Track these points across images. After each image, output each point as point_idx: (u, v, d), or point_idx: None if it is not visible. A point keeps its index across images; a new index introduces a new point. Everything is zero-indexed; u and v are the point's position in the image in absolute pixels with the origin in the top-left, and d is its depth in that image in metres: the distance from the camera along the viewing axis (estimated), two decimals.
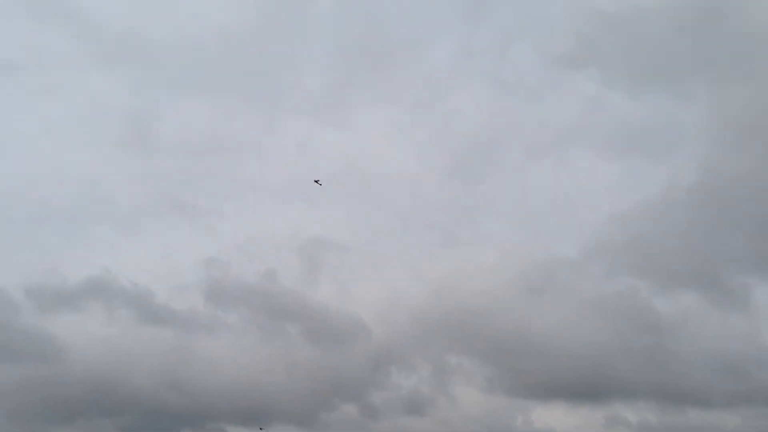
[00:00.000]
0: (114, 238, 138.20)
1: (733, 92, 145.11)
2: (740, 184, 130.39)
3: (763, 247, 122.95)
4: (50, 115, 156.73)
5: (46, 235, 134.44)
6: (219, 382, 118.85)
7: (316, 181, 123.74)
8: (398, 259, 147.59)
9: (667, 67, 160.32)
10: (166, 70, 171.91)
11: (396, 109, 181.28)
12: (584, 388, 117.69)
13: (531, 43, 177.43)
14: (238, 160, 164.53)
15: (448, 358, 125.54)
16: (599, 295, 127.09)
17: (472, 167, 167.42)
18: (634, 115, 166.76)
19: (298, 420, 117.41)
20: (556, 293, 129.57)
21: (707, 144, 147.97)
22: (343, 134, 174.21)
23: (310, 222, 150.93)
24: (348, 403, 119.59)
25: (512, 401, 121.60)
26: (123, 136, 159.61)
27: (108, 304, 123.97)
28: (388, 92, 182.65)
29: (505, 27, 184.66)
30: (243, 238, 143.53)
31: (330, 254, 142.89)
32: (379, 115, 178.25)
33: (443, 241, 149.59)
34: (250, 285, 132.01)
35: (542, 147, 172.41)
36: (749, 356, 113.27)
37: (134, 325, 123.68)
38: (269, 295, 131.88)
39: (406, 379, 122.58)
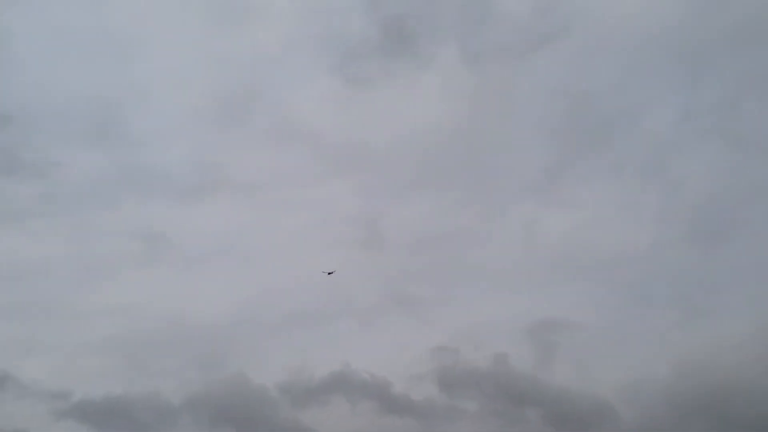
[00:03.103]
0: (352, 334, 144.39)
1: None
2: None
3: None
4: (291, 227, 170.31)
5: (296, 336, 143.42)
6: None
7: (329, 273, 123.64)
8: (638, 335, 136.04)
9: None
10: (388, 172, 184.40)
11: (620, 182, 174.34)
12: None
13: (762, 94, 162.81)
14: (462, 249, 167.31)
15: None
16: None
17: (711, 232, 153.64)
18: None
19: None
20: None
21: None
22: (567, 213, 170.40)
23: (540, 304, 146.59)
24: None
25: None
26: (355, 237, 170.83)
27: (350, 397, 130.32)
28: (609, 165, 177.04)
29: (729, 82, 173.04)
30: (470, 325, 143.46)
31: (564, 335, 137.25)
32: (603, 189, 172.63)
33: (685, 313, 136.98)
34: (481, 371, 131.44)
35: None
36: None
37: (376, 415, 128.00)
38: (502, 380, 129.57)
39: None
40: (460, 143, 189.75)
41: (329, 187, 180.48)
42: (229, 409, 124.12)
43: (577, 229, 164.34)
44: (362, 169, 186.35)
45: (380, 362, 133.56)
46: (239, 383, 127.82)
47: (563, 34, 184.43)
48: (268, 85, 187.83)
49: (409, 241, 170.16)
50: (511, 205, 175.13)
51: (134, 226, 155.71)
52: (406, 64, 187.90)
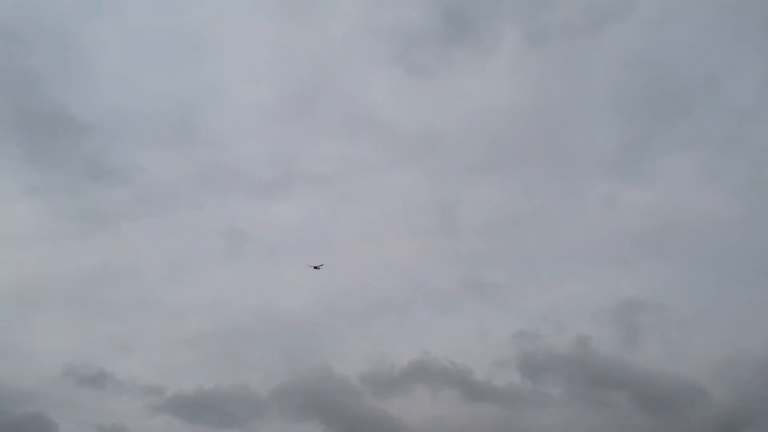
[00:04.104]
0: (431, 321, 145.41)
1: None
2: None
3: None
4: (366, 216, 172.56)
5: (376, 325, 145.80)
6: None
7: (315, 267, 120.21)
8: (729, 312, 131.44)
9: None
10: (460, 157, 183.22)
11: (702, 154, 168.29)
12: None
13: None
14: (539, 231, 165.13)
15: None
16: None
17: None
18: None
19: None
20: None
21: None
22: (648, 188, 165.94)
23: (623, 284, 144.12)
24: None
25: None
26: (430, 224, 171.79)
27: (432, 385, 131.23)
28: (690, 137, 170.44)
29: None
30: (551, 308, 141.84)
31: (649, 315, 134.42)
32: (684, 162, 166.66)
33: None
34: (563, 355, 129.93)
35: None
36: None
37: (459, 403, 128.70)
38: (586, 364, 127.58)
39: None
40: (532, 124, 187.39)
41: (402, 175, 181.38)
42: (314, 400, 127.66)
43: (659, 204, 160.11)
44: (434, 156, 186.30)
45: (460, 349, 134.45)
46: (323, 374, 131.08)
47: (629, 5, 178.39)
48: (335, 78, 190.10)
49: (484, 225, 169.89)
50: (589, 183, 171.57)
51: (217, 223, 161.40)
52: (469, 50, 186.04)
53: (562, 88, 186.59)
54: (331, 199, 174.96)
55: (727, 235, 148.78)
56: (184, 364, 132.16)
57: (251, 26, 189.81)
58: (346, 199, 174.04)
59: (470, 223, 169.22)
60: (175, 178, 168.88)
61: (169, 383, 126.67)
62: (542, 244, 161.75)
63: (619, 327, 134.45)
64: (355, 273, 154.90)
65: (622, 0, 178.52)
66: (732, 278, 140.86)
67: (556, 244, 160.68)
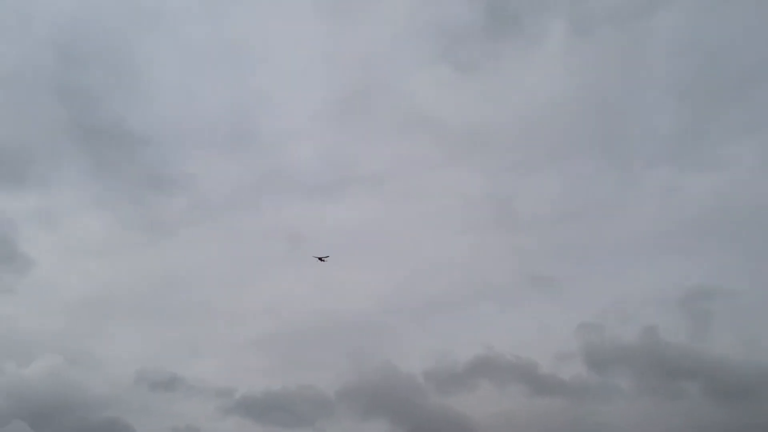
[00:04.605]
0: (492, 316, 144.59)
1: None
2: None
3: None
4: (423, 214, 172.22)
5: (438, 321, 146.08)
6: None
7: (320, 259, 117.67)
8: None
9: None
10: (514, 151, 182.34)
11: (764, 136, 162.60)
12: None
13: None
14: (599, 221, 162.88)
15: None
16: None
17: None
18: None
19: None
20: None
21: None
22: (709, 174, 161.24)
23: (688, 272, 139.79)
24: None
25: None
26: (488, 219, 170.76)
27: (497, 380, 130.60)
28: (750, 121, 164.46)
29: None
30: (615, 299, 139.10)
31: (719, 302, 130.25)
32: (745, 146, 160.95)
33: None
34: (630, 346, 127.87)
35: None
36: None
37: (525, 397, 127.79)
38: (654, 354, 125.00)
39: None
40: (585, 114, 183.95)
41: (456, 171, 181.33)
42: (380, 398, 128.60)
43: (721, 189, 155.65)
44: (486, 151, 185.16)
45: (524, 343, 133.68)
46: (388, 372, 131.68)
47: None
48: (384, 79, 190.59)
49: (541, 218, 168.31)
50: (648, 172, 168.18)
51: (276, 226, 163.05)
52: (515, 44, 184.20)
53: (615, 77, 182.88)
54: (386, 198, 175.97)
55: None
56: (250, 366, 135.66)
57: (298, 31, 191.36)
58: (401, 198, 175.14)
59: (527, 217, 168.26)
60: (232, 184, 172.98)
61: (238, 385, 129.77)
62: (602, 235, 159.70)
63: (687, 315, 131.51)
64: (414, 271, 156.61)
65: None
66: None
67: (616, 234, 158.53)
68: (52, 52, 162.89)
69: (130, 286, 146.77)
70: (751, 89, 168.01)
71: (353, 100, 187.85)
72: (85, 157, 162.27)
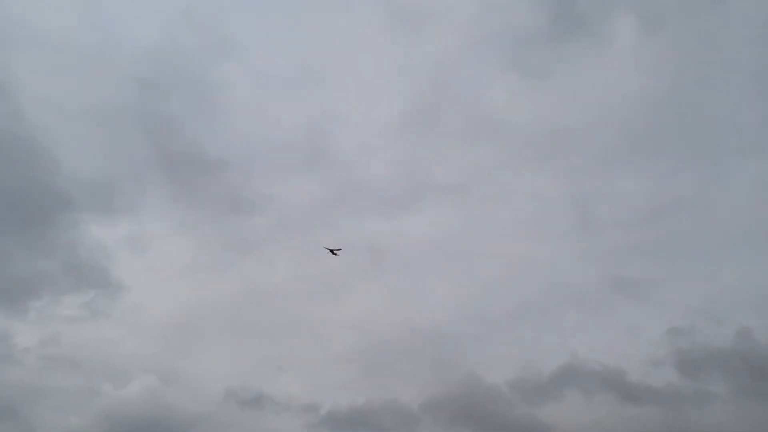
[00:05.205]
0: (577, 323, 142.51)
1: None
2: None
3: None
4: (500, 221, 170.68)
5: (520, 329, 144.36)
6: None
7: (332, 251, 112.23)
8: None
9: None
10: (591, 153, 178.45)
11: None
12: None
13: None
14: (684, 220, 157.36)
15: None
16: None
17: None
18: None
19: None
20: None
21: None
22: None
23: None
24: None
25: None
26: (567, 223, 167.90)
27: (584, 389, 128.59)
28: None
29: None
30: (705, 301, 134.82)
31: None
32: None
33: None
34: (724, 349, 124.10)
35: None
36: None
37: (614, 406, 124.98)
38: (750, 358, 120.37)
39: None
40: (664, 111, 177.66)
41: (532, 176, 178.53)
42: (465, 410, 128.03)
43: None
44: (562, 154, 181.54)
45: (610, 350, 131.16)
46: (471, 383, 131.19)
47: None
48: (453, 88, 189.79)
49: (624, 219, 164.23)
50: (734, 166, 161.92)
51: (355, 241, 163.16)
52: (584, 45, 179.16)
53: (691, 69, 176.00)
54: (463, 207, 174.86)
55: None
56: (335, 381, 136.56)
57: (365, 46, 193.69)
58: (478, 206, 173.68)
59: (609, 219, 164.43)
60: (310, 201, 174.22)
61: (323, 400, 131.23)
62: (689, 234, 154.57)
63: None
64: (494, 279, 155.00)
65: None
66: None
67: (704, 233, 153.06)
68: (135, 85, 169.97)
69: (215, 305, 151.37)
70: None
71: (425, 111, 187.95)
72: (169, 183, 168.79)
